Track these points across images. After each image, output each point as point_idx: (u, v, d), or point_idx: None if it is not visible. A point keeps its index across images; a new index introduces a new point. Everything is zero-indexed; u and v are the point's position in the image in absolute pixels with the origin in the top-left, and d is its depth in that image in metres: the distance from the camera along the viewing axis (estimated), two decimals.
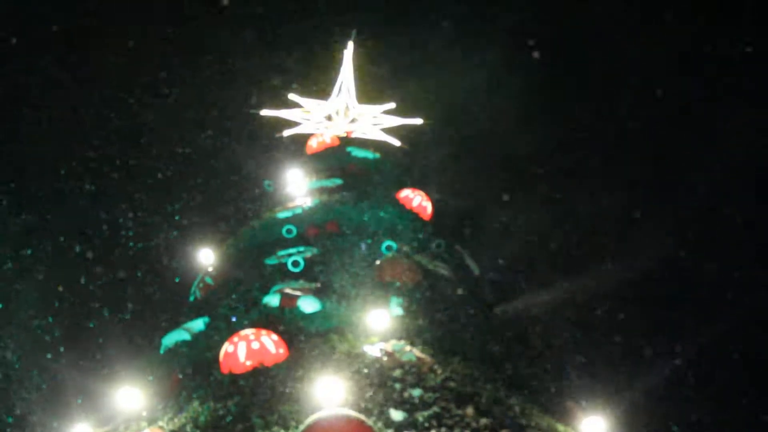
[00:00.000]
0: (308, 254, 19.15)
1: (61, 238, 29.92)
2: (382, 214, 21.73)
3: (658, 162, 32.78)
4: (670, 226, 30.15)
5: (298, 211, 21.87)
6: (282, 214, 21.97)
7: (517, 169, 33.36)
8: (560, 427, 14.35)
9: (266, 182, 24.69)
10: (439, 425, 12.19)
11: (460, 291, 18.95)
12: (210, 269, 20.66)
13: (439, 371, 14.61)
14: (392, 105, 28.98)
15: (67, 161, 31.58)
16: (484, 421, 12.76)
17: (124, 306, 28.42)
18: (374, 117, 28.97)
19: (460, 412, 12.95)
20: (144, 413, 14.46)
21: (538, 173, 33.64)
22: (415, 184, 24.37)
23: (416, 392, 13.27)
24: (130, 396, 14.96)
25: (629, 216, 32.47)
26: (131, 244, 31.25)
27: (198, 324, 16.94)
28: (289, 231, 20.37)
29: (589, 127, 34.36)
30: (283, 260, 18.87)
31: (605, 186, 33.15)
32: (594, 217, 32.19)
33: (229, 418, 12.67)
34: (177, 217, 31.74)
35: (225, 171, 33.13)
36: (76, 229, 30.68)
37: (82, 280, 30.21)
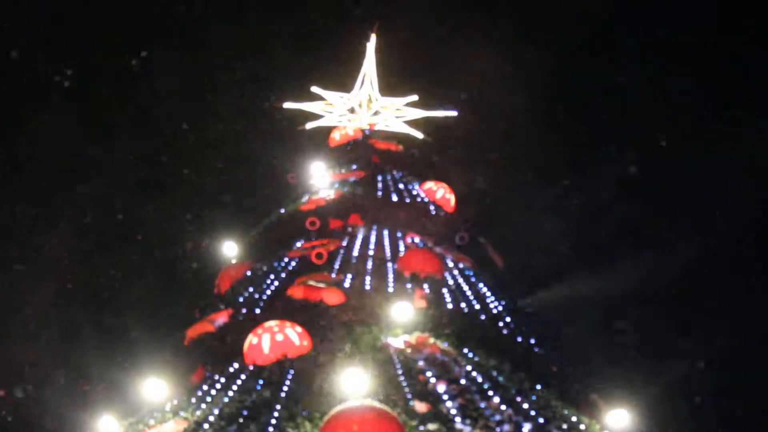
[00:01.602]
0: (332, 246, 19.14)
1: (84, 228, 30.04)
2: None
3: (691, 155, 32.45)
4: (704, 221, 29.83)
5: (322, 203, 21.85)
6: (305, 207, 21.96)
7: (543, 162, 33.17)
8: (585, 419, 14.28)
9: (289, 175, 24.68)
10: (464, 417, 12.16)
11: (483, 283, 18.91)
12: (234, 261, 20.69)
13: (463, 363, 14.59)
14: (415, 97, 28.92)
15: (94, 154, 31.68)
16: (508, 413, 12.73)
17: (147, 297, 28.49)
18: (397, 109, 28.91)
19: (484, 404, 12.93)
20: (168, 405, 14.49)
21: (564, 166, 33.40)
22: (439, 177, 24.31)
23: (440, 384, 13.25)
24: (155, 387, 15.01)
25: (659, 210, 32.21)
26: (154, 235, 31.34)
27: (222, 316, 16.96)
28: (312, 223, 20.36)
29: (617, 122, 34.10)
30: (306, 252, 18.87)
31: (632, 178, 32.94)
32: (622, 210, 31.96)
33: (253, 410, 12.68)
34: (200, 210, 31.77)
35: (248, 163, 33.14)
36: (98, 220, 30.79)
37: (104, 272, 30.38)
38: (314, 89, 28.94)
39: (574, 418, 13.87)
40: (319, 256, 18.25)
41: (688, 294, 29.65)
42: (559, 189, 32.99)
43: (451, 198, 23.48)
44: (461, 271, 19.11)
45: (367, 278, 17.30)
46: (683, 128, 32.75)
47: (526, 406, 13.36)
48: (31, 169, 31.04)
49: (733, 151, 30.70)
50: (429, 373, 13.73)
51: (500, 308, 17.83)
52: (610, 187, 32.19)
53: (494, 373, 14.65)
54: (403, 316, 15.42)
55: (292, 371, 13.85)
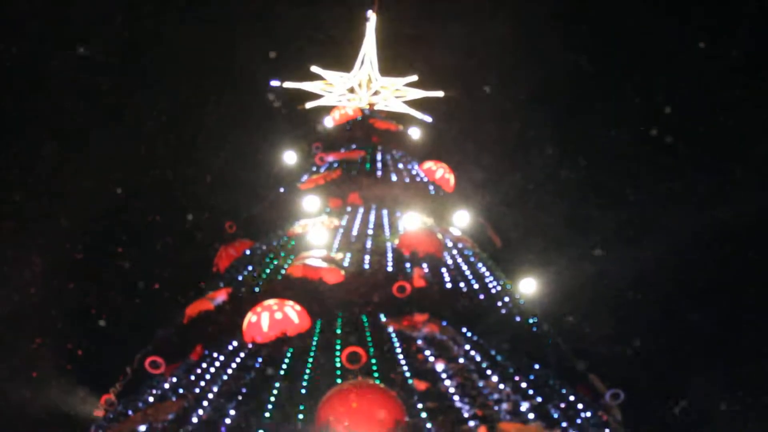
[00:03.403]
0: (331, 226, 19.14)
1: (83, 208, 29.99)
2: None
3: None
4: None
5: (321, 182, 21.83)
6: (304, 186, 21.94)
7: (541, 142, 33.15)
8: (583, 398, 14.35)
9: (288, 154, 24.64)
10: (462, 395, 12.19)
11: (483, 263, 18.92)
12: (233, 240, 20.69)
13: (462, 342, 14.63)
14: (415, 77, 28.88)
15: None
16: (506, 391, 12.76)
17: (146, 276, 28.52)
18: (397, 89, 28.87)
19: (482, 383, 12.96)
20: (167, 383, 14.52)
21: (563, 147, 33.37)
22: (438, 157, 24.29)
23: (439, 363, 13.28)
24: (155, 365, 15.03)
25: (663, 191, 32.20)
26: (152, 215, 31.34)
27: (221, 294, 16.96)
28: (311, 202, 20.35)
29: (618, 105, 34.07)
30: (305, 232, 18.87)
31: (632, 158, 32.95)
32: (626, 191, 32.03)
33: (252, 387, 12.70)
34: (198, 188, 31.73)
35: (247, 143, 33.10)
36: (96, 200, 30.72)
37: (103, 250, 30.40)
38: (314, 69, 28.88)
39: (572, 397, 13.94)
40: (318, 235, 18.24)
41: (687, 280, 29.65)
42: (559, 169, 32.93)
43: (451, 178, 23.46)
44: (460, 251, 19.11)
45: (366, 257, 17.27)
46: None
47: (524, 384, 13.40)
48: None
49: None
50: (428, 352, 13.75)
51: (499, 288, 17.86)
52: (609, 165, 32.15)
53: (493, 352, 14.70)
54: (402, 296, 15.42)
55: (291, 349, 13.87)
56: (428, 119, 28.62)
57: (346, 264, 16.95)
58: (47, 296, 28.06)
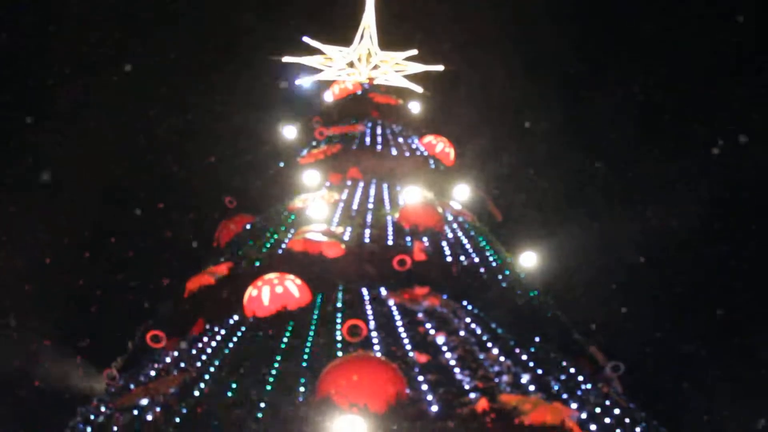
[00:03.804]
0: (331, 200, 19.13)
1: (83, 183, 29.97)
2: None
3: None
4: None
5: (321, 157, 21.80)
6: (304, 161, 21.91)
7: (542, 115, 33.08)
8: (583, 370, 14.39)
9: (288, 128, 24.58)
10: (462, 368, 12.22)
11: (483, 236, 18.93)
12: (233, 214, 20.70)
13: (463, 315, 14.66)
14: (414, 51, 28.76)
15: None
16: (507, 363, 12.80)
17: (147, 251, 28.55)
18: (397, 63, 28.76)
19: (483, 355, 12.99)
20: (169, 356, 14.56)
21: (564, 120, 33.28)
22: (438, 131, 24.23)
23: (440, 335, 13.31)
24: (156, 339, 15.08)
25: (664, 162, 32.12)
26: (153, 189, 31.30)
27: (222, 268, 16.98)
28: (311, 177, 20.34)
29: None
30: (305, 206, 18.87)
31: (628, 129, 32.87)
32: (627, 162, 31.99)
33: (252, 361, 12.74)
34: (198, 164, 31.68)
35: (246, 118, 33.01)
36: (97, 177, 30.70)
37: (105, 226, 30.39)
38: (313, 43, 28.76)
39: (572, 370, 13.98)
40: (318, 209, 18.24)
41: (690, 253, 29.66)
42: (559, 142, 32.87)
43: (451, 152, 23.42)
44: (460, 225, 19.12)
45: (367, 231, 17.28)
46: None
47: (524, 357, 13.44)
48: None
49: None
50: (428, 325, 13.79)
51: (499, 261, 17.88)
52: (610, 136, 32.09)
53: (493, 325, 14.74)
54: (402, 269, 15.44)
55: (291, 323, 13.90)
56: (428, 93, 28.54)
57: (346, 238, 16.95)
58: (49, 271, 28.11)
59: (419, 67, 28.86)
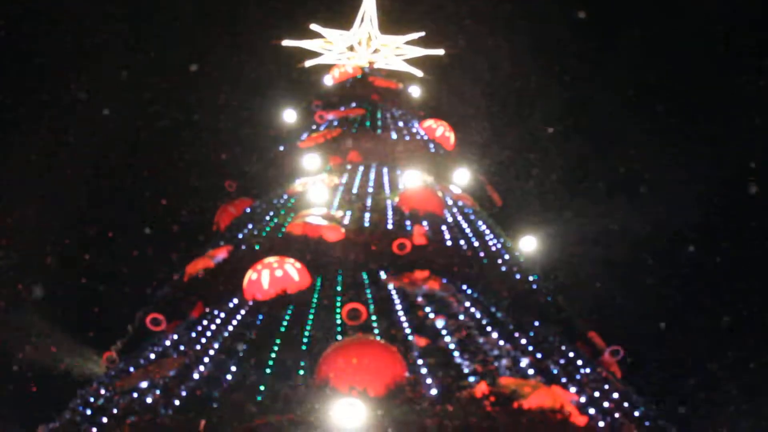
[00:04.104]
0: (331, 184, 19.12)
1: (82, 166, 29.94)
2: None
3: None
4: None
5: (320, 141, 21.75)
6: (304, 145, 21.87)
7: (542, 99, 33.02)
8: (582, 354, 14.43)
9: (288, 112, 24.51)
10: (462, 351, 12.24)
11: (483, 221, 18.93)
12: (233, 198, 20.69)
13: (462, 300, 14.67)
14: (415, 35, 28.68)
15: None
16: (506, 348, 12.82)
17: (146, 234, 28.50)
18: (397, 47, 28.68)
19: (482, 339, 13.01)
20: (168, 340, 14.58)
21: (564, 104, 33.22)
22: (439, 115, 24.19)
23: (439, 319, 13.33)
24: (156, 322, 15.11)
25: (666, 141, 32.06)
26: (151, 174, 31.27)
27: (221, 252, 16.99)
28: (311, 161, 20.31)
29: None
30: (305, 190, 18.85)
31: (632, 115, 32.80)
32: (628, 147, 31.92)
33: (252, 344, 12.76)
34: (198, 147, 31.64)
35: (244, 101, 32.97)
36: (95, 158, 30.67)
37: (106, 209, 30.41)
38: (313, 27, 28.68)
39: (571, 354, 14.01)
40: (318, 193, 18.22)
41: (689, 237, 29.64)
42: (560, 126, 32.81)
43: (451, 136, 23.36)
44: (460, 209, 19.11)
45: (367, 215, 17.27)
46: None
47: (524, 341, 13.47)
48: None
49: None
50: (428, 309, 13.80)
51: (499, 245, 17.88)
52: (611, 121, 32.03)
53: (492, 309, 14.76)
54: (402, 253, 15.46)
55: (291, 306, 13.92)
56: (428, 77, 28.47)
57: (346, 222, 16.95)
58: (49, 253, 28.14)
59: (420, 51, 28.78)
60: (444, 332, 12.92)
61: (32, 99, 30.89)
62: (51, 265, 27.98)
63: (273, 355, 12.19)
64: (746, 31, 32.47)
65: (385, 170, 20.23)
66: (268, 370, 11.69)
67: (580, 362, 13.73)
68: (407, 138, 22.20)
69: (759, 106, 30.60)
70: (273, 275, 14.53)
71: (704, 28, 32.32)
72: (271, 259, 14.85)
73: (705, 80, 32.18)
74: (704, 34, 32.42)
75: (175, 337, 14.60)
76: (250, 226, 18.34)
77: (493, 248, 17.69)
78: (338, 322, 13.02)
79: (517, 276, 17.08)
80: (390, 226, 16.84)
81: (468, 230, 17.93)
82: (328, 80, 26.66)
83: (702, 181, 28.85)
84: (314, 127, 23.05)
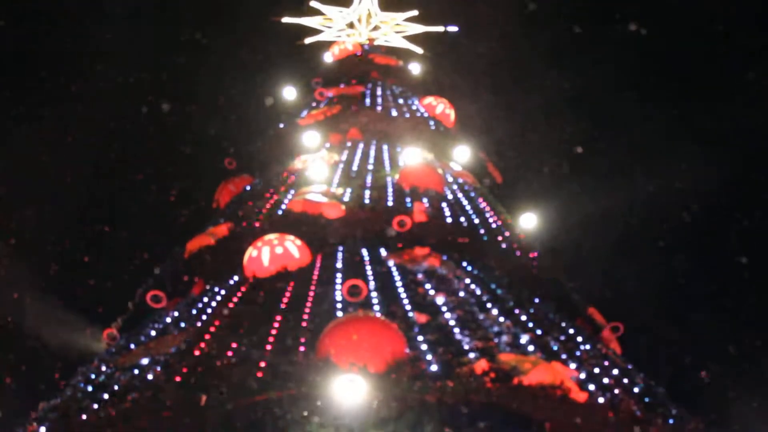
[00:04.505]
0: (331, 161, 19.10)
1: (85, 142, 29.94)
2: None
3: None
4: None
5: (320, 118, 21.72)
6: (304, 122, 21.83)
7: (542, 76, 32.92)
8: (582, 330, 14.45)
9: (287, 89, 24.46)
10: (462, 328, 12.25)
11: (483, 198, 18.91)
12: (233, 175, 20.68)
13: (463, 276, 14.68)
14: (415, 12, 28.60)
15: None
16: (506, 324, 12.82)
17: (146, 211, 28.54)
18: (397, 24, 28.60)
19: (483, 315, 13.02)
20: (169, 317, 14.60)
21: (564, 79, 33.09)
22: (439, 92, 24.12)
23: (439, 296, 13.33)
24: (156, 299, 15.13)
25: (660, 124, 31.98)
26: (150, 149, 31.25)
27: (222, 229, 16.98)
28: (311, 138, 20.28)
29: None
30: (305, 167, 18.83)
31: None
32: (628, 123, 31.85)
33: (252, 321, 12.77)
34: (198, 124, 31.58)
35: (244, 78, 32.90)
36: (96, 136, 30.64)
37: (107, 187, 30.43)
38: (313, 4, 28.59)
39: (571, 330, 14.03)
40: (318, 170, 18.20)
41: (689, 214, 29.60)
42: (561, 102, 32.73)
43: (451, 113, 23.32)
44: (460, 186, 19.09)
45: (367, 192, 17.25)
46: None
47: (524, 318, 13.47)
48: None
49: None
50: (428, 285, 13.81)
51: (499, 223, 17.87)
52: (612, 97, 31.92)
53: (493, 286, 14.76)
54: (402, 230, 15.46)
55: (291, 284, 13.92)
56: (428, 54, 28.40)
57: (346, 199, 16.93)
58: (50, 232, 28.17)
59: (419, 28, 28.70)
60: (444, 309, 12.92)
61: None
62: (52, 242, 28.02)
63: (273, 332, 12.18)
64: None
65: (385, 147, 20.19)
66: (268, 347, 11.68)
67: (579, 339, 13.75)
68: (407, 115, 22.16)
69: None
70: (273, 252, 14.53)
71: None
72: (272, 236, 14.85)
73: (716, 52, 32.06)
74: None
75: (176, 314, 14.62)
76: (250, 203, 18.32)
77: (493, 225, 17.68)
78: (338, 298, 13.02)
79: (517, 253, 17.08)
80: (390, 203, 16.83)
81: (468, 207, 17.92)
82: (328, 57, 26.59)
83: (709, 156, 28.77)
84: (314, 104, 23.00)
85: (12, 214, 27.39)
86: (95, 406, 11.40)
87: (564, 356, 12.37)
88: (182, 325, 13.75)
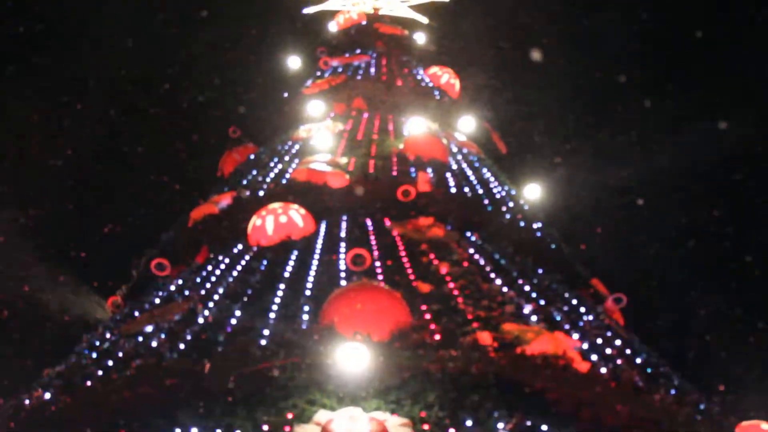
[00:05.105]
0: (335, 130, 19.06)
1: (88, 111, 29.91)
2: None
3: None
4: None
5: (325, 87, 21.66)
6: (308, 91, 21.78)
7: (548, 46, 32.70)
8: (585, 301, 14.47)
9: (292, 58, 24.39)
10: (466, 297, 12.27)
11: (487, 168, 18.89)
12: (237, 144, 20.65)
13: (467, 246, 14.69)
14: None
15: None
16: (510, 294, 12.85)
17: (150, 179, 28.58)
18: None
19: (486, 285, 13.04)
20: (173, 285, 14.63)
21: (571, 50, 32.89)
22: (444, 62, 24.03)
23: (443, 266, 13.34)
24: (161, 267, 15.17)
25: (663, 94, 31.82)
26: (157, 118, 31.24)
27: (226, 198, 16.98)
28: (315, 107, 20.24)
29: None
30: (310, 136, 18.81)
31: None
32: (635, 96, 31.67)
33: (257, 290, 12.81)
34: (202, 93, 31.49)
35: (249, 47, 32.76)
36: (100, 106, 30.58)
37: (110, 156, 30.44)
38: None
39: (574, 301, 14.05)
40: (322, 139, 18.17)
41: (694, 187, 29.56)
42: (566, 73, 32.56)
43: (456, 83, 23.25)
44: (465, 156, 19.06)
45: (371, 162, 17.24)
46: None
47: (527, 288, 13.50)
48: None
49: None
50: (432, 255, 13.81)
51: (503, 193, 17.86)
52: (618, 69, 31.72)
53: (496, 256, 14.78)
54: (407, 200, 15.46)
55: (295, 252, 13.95)
56: (433, 23, 28.23)
57: (350, 168, 16.92)
58: (54, 201, 28.22)
59: None
60: (448, 278, 12.94)
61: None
62: (57, 210, 28.06)
63: (277, 300, 12.22)
64: None
65: (389, 117, 20.15)
66: (272, 315, 11.72)
67: (582, 309, 13.77)
68: (412, 85, 22.10)
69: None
70: (277, 221, 14.55)
71: None
72: (276, 205, 14.86)
73: (726, 25, 31.86)
74: None
75: (180, 282, 14.65)
76: (254, 172, 18.32)
77: (498, 196, 17.67)
78: (342, 267, 13.04)
79: (521, 223, 17.08)
80: (394, 173, 16.81)
81: (472, 177, 17.91)
82: (333, 26, 26.47)
83: (716, 128, 28.61)
84: (319, 73, 22.94)
85: (17, 181, 27.43)
86: (100, 372, 11.44)
87: (567, 326, 12.39)
88: (186, 293, 13.77)
